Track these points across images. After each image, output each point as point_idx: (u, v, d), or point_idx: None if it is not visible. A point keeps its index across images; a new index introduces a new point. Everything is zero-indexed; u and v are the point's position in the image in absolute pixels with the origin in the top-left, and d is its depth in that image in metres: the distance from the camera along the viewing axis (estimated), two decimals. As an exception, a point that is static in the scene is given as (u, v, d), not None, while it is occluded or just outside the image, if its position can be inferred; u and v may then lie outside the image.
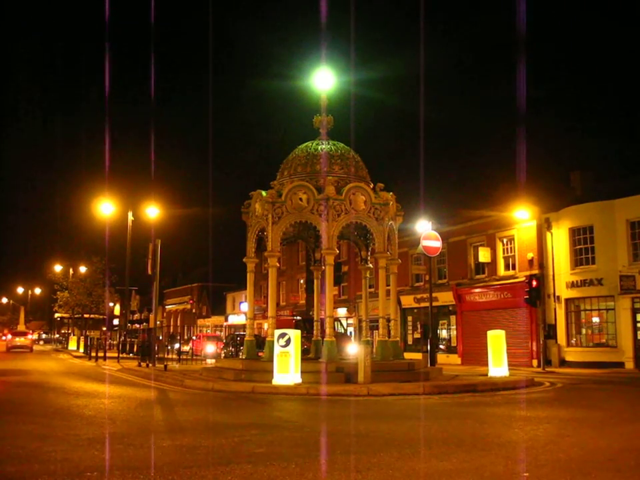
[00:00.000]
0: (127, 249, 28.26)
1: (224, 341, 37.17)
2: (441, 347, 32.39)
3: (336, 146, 16.38)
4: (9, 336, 43.42)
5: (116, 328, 49.20)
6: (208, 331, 60.76)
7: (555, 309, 27.15)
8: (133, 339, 35.47)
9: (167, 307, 75.31)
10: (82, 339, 39.38)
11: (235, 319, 57.03)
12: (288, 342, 12.79)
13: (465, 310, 31.18)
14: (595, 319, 26.84)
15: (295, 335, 12.98)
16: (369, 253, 18.13)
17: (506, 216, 28.40)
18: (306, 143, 16.58)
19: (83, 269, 49.65)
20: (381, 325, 16.66)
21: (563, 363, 26.58)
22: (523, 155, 24.71)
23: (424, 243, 20.82)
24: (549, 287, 27.30)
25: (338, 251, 16.93)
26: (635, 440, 7.08)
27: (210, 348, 32.02)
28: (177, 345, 31.94)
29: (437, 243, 21.12)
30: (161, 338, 27.75)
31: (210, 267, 57.86)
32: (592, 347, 26.45)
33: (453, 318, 32.58)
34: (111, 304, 48.38)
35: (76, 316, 50.22)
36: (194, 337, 42.66)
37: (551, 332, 27.07)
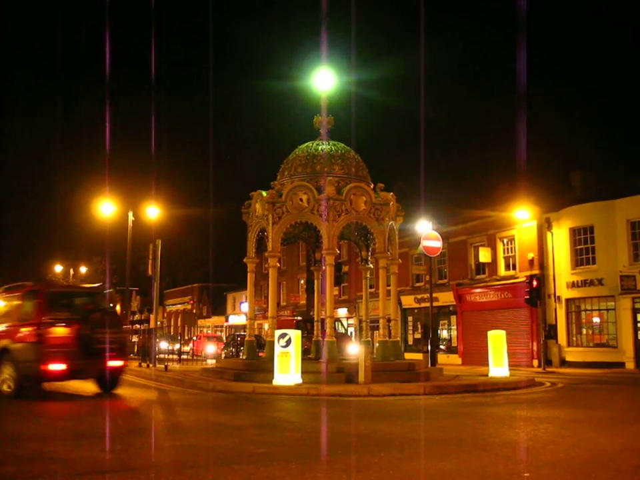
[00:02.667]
0: (127, 249, 28.26)
1: (224, 341, 37.16)
2: (442, 347, 32.39)
3: (336, 146, 16.39)
4: None
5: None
6: (208, 331, 60.78)
7: (556, 309, 27.14)
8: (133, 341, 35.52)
9: (167, 307, 75.30)
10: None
11: (236, 319, 57.04)
12: (288, 342, 12.79)
13: (466, 310, 31.18)
14: (596, 319, 26.84)
15: (295, 335, 12.98)
16: (370, 253, 18.13)
17: (506, 216, 28.40)
18: (306, 143, 16.58)
19: (83, 269, 49.69)
20: (382, 325, 16.66)
21: (564, 363, 26.58)
22: (523, 154, 24.73)
23: (424, 243, 20.82)
24: (550, 287, 27.30)
25: (338, 251, 16.94)
26: (636, 440, 7.08)
27: (210, 348, 32.03)
28: (177, 346, 31.97)
29: (438, 243, 21.12)
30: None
31: (210, 267, 57.88)
32: (592, 347, 26.45)
33: (453, 318, 32.59)
34: (111, 304, 48.38)
35: (76, 316, 50.22)
36: (194, 338, 42.66)
37: (551, 332, 27.07)
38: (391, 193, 16.61)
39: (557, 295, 27.03)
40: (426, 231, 22.29)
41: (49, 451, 5.90)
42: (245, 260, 17.10)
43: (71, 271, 51.26)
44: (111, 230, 32.19)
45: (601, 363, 24.85)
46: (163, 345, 29.50)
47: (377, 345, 16.54)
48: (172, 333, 58.11)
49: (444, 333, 33.46)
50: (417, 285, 34.26)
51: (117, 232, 32.60)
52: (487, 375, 16.08)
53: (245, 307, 47.40)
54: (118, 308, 51.03)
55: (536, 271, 27.26)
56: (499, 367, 16.07)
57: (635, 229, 25.04)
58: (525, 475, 5.11)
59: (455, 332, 32.23)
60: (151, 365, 20.98)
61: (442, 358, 28.48)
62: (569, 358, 26.65)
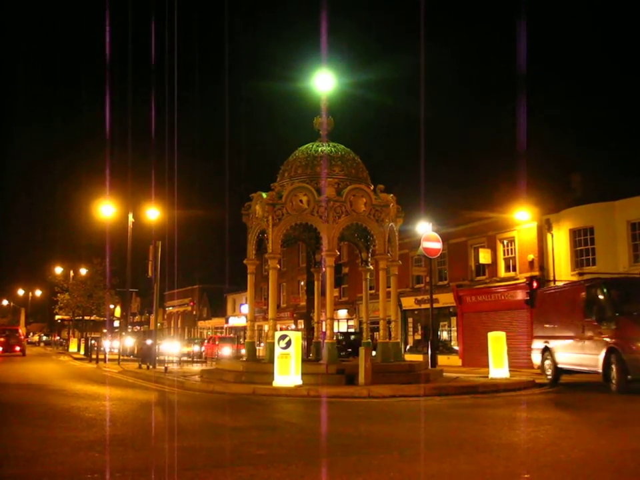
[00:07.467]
0: (127, 250, 28.27)
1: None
2: (442, 348, 32.36)
3: (336, 148, 16.39)
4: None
5: (116, 330, 49.21)
6: (209, 333, 60.76)
7: (556, 311, 27.10)
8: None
9: (167, 308, 75.27)
10: (82, 341, 39.47)
11: (236, 321, 57.07)
12: (288, 344, 12.80)
13: (466, 311, 31.16)
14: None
15: (295, 336, 12.99)
16: (370, 255, 18.13)
17: (506, 217, 28.39)
18: (306, 145, 16.59)
19: (83, 271, 49.63)
20: (382, 327, 16.65)
21: (564, 364, 26.49)
22: (523, 156, 24.72)
23: (424, 244, 20.80)
24: (550, 288, 27.26)
25: (338, 253, 16.93)
26: (636, 441, 7.08)
27: (226, 350, 31.75)
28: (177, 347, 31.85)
29: (438, 245, 21.10)
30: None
31: (210, 268, 57.92)
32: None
33: (453, 319, 32.57)
34: (112, 306, 48.32)
35: (76, 318, 50.21)
36: (205, 340, 42.50)
37: (551, 333, 27.01)
38: (391, 195, 16.61)
39: (557, 296, 26.99)
40: (426, 233, 22.26)
41: (48, 452, 5.90)
42: (245, 261, 17.09)
43: (71, 273, 51.19)
44: (111, 232, 32.22)
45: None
46: (171, 346, 29.30)
47: (377, 346, 16.53)
48: (172, 335, 58.05)
49: (444, 334, 33.44)
50: (417, 286, 34.23)
51: (117, 234, 32.63)
52: (487, 377, 16.07)
53: (245, 308, 47.36)
54: (118, 309, 51.19)
55: (536, 272, 27.23)
56: (499, 368, 16.06)
57: (634, 230, 25.03)
58: (526, 476, 5.11)
59: (455, 333, 32.21)
60: (151, 367, 20.98)
61: (442, 359, 28.41)
62: (569, 359, 26.58)
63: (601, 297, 13.65)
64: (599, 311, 13.53)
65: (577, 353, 14.39)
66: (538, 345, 16.87)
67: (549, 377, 16.01)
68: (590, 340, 13.68)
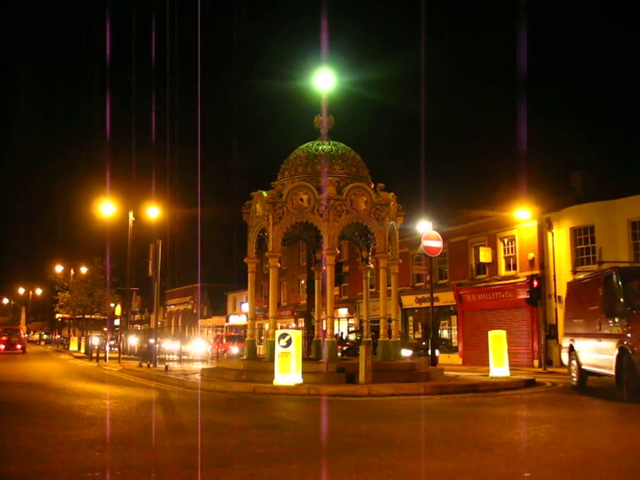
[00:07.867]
0: (128, 249, 28.27)
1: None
2: (442, 346, 32.37)
3: (337, 146, 16.38)
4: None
5: (117, 329, 49.21)
6: (209, 331, 60.75)
7: (556, 309, 27.10)
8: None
9: (168, 307, 75.28)
10: (83, 339, 39.60)
11: (236, 319, 57.08)
12: (289, 342, 12.80)
13: (466, 310, 31.17)
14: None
15: (295, 335, 13.00)
16: (370, 253, 18.13)
17: (507, 216, 28.39)
18: (307, 143, 16.58)
19: (83, 270, 49.63)
20: (382, 325, 16.65)
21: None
22: (524, 155, 24.71)
23: (425, 243, 20.79)
24: (550, 287, 27.27)
25: (339, 252, 16.92)
26: (636, 440, 7.08)
27: (235, 349, 31.80)
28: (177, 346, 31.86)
29: (438, 243, 21.09)
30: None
31: (211, 267, 57.87)
32: (593, 347, 26.31)
33: (454, 318, 32.58)
34: (112, 304, 48.34)
35: (77, 316, 50.22)
36: (212, 339, 42.46)
37: (552, 332, 27.03)
38: (392, 193, 16.60)
39: (558, 295, 26.99)
40: (426, 231, 22.25)
41: (49, 451, 5.90)
42: (245, 260, 17.09)
43: (72, 271, 51.18)
44: (111, 230, 32.21)
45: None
46: (172, 345, 29.34)
47: (378, 345, 16.52)
48: (172, 333, 58.09)
49: (444, 333, 33.45)
50: (418, 284, 34.24)
51: (117, 232, 32.63)
52: (488, 375, 16.07)
53: (245, 307, 47.35)
54: (118, 308, 51.26)
55: (536, 271, 27.24)
56: (499, 367, 16.06)
57: (635, 229, 25.02)
58: (526, 474, 5.11)
59: (456, 332, 32.22)
60: (151, 365, 20.99)
61: (442, 358, 28.43)
62: (569, 358, 26.56)
63: (614, 288, 11.67)
64: (611, 305, 11.59)
65: (596, 353, 12.49)
66: (565, 343, 14.98)
67: (574, 379, 14.10)
68: (605, 338, 11.79)
